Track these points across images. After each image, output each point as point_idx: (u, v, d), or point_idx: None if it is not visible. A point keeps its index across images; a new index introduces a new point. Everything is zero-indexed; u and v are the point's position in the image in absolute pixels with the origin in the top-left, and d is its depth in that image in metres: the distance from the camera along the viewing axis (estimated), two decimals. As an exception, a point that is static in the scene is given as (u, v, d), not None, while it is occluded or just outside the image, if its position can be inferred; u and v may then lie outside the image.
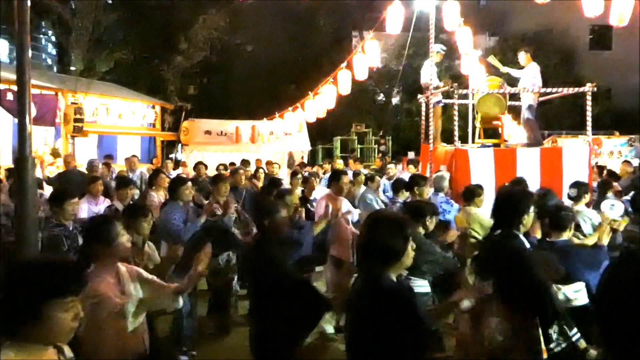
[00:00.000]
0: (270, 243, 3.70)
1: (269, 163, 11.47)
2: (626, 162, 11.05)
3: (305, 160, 16.59)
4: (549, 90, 9.06)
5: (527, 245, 3.33)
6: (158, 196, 6.58)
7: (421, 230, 4.40)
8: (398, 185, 6.86)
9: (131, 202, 6.28)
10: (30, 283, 1.78)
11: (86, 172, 9.27)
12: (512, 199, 3.42)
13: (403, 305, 2.29)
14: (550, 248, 3.68)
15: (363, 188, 8.10)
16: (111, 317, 2.73)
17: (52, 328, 1.80)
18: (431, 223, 4.56)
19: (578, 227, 4.69)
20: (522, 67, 9.10)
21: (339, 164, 11.67)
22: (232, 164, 11.87)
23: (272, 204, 4.01)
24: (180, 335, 4.92)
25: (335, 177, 6.04)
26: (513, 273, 2.98)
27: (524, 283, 2.94)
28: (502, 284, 3.02)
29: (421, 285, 4.18)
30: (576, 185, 5.73)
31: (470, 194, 5.77)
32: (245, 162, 11.63)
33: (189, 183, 5.60)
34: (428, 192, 6.20)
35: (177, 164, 15.34)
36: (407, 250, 2.39)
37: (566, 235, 3.82)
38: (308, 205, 6.83)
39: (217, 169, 11.04)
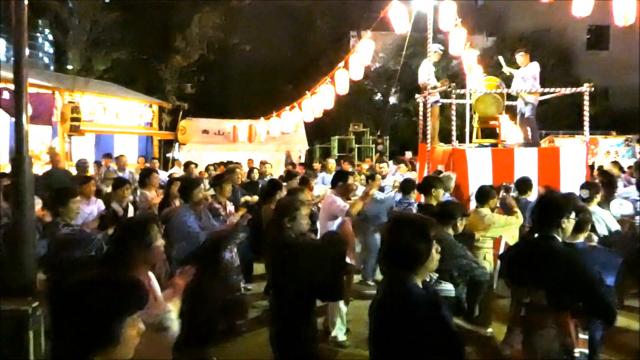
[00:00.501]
0: (291, 241, 3.61)
1: (262, 163, 11.42)
2: (613, 162, 11.32)
3: (303, 160, 16.57)
4: (546, 90, 9.07)
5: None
6: (150, 195, 6.57)
7: (450, 232, 4.28)
8: (408, 186, 6.63)
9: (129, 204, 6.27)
10: (101, 303, 1.61)
11: (76, 172, 9.22)
12: (553, 202, 3.31)
13: (433, 312, 2.19)
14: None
15: (360, 188, 8.10)
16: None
17: (120, 348, 1.64)
18: (461, 225, 4.44)
19: (592, 228, 4.68)
20: (519, 68, 9.11)
21: (332, 164, 11.60)
22: (222, 163, 11.82)
23: (293, 203, 3.87)
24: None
25: (342, 178, 5.74)
26: (569, 278, 2.90)
27: (581, 286, 2.88)
28: (556, 291, 2.91)
29: (449, 290, 4.07)
30: (588, 186, 5.74)
31: (485, 196, 5.63)
32: (231, 162, 11.59)
33: (202, 184, 5.53)
34: (443, 194, 6.00)
35: (173, 163, 15.31)
36: (431, 253, 2.28)
37: (582, 236, 3.79)
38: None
39: (207, 168, 10.99)
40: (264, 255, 5.13)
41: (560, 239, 3.14)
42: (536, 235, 3.25)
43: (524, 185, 6.54)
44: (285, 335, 3.50)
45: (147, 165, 12.64)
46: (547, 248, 3.08)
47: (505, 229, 5.52)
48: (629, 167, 11.21)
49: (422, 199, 6.27)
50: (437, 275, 2.97)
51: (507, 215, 5.66)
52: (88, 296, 1.62)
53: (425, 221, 2.39)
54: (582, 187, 5.67)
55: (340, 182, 5.70)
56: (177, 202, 6.08)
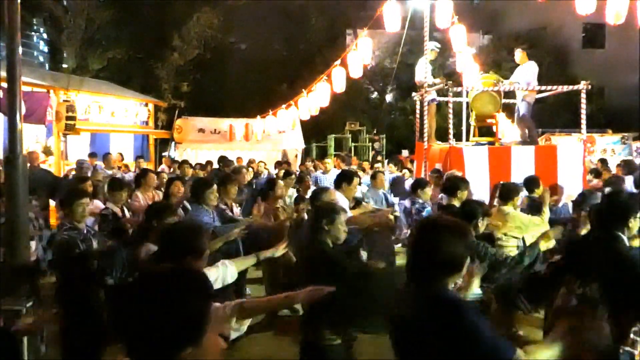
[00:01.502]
0: (328, 247, 3.50)
1: (251, 162, 11.33)
2: (601, 160, 11.49)
3: (300, 158, 16.51)
4: (542, 88, 9.06)
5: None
6: (145, 197, 6.44)
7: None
8: (419, 185, 6.49)
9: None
10: (190, 302, 1.42)
11: (75, 172, 9.18)
12: (623, 202, 3.36)
13: (477, 317, 2.06)
14: None
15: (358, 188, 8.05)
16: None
17: (209, 351, 1.45)
18: (482, 225, 4.33)
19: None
20: (517, 65, 9.10)
21: (327, 163, 11.53)
22: (209, 162, 11.73)
23: (334, 206, 3.74)
24: None
25: (348, 180, 5.55)
26: (634, 282, 2.92)
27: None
28: (617, 292, 2.86)
29: (477, 293, 3.98)
30: (610, 184, 5.80)
31: (509, 193, 5.42)
32: (223, 159, 11.53)
33: (215, 186, 5.35)
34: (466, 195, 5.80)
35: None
36: (468, 259, 2.20)
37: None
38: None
39: (194, 167, 10.92)
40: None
41: (625, 238, 3.20)
42: (597, 233, 3.28)
43: (532, 184, 6.46)
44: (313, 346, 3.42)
45: (126, 163, 12.53)
46: (612, 247, 3.09)
47: (529, 229, 5.29)
48: (617, 165, 11.23)
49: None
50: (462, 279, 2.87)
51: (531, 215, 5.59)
52: (170, 290, 1.43)
53: (465, 226, 2.29)
54: (606, 184, 5.69)
55: (345, 183, 5.53)
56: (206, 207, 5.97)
